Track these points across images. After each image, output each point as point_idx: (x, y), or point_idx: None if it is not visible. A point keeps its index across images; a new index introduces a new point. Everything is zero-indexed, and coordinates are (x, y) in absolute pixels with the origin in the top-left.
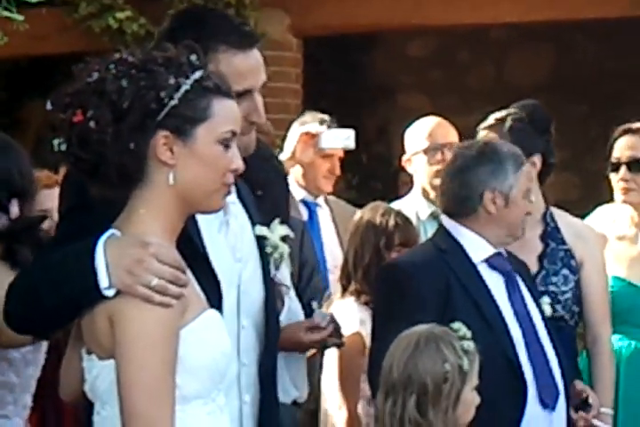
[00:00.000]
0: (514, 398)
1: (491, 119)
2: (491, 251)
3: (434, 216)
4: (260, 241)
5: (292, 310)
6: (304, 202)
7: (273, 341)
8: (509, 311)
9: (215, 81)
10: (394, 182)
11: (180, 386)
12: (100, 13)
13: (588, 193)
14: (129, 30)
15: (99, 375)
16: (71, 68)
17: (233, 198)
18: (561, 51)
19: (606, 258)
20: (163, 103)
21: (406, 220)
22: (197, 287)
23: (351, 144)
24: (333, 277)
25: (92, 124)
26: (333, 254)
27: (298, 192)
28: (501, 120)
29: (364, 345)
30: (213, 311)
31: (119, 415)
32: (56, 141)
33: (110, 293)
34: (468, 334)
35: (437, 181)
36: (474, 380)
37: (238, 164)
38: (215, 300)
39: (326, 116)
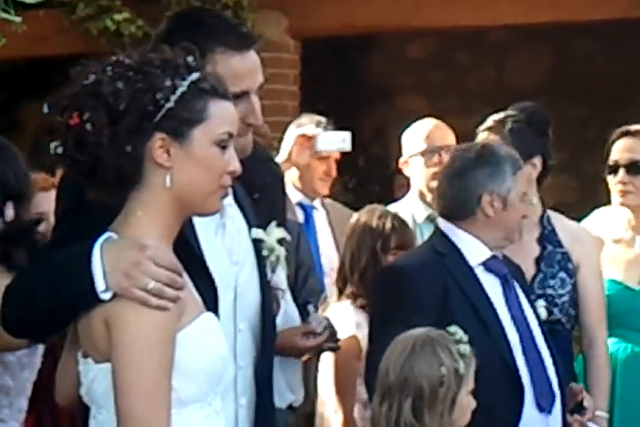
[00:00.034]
0: (511, 401)
1: (490, 121)
2: (488, 254)
3: (430, 219)
4: (257, 244)
5: (288, 313)
6: (300, 205)
7: (269, 344)
8: (506, 315)
9: (212, 82)
10: (391, 185)
11: (176, 389)
12: (97, 15)
13: (585, 196)
14: (126, 32)
15: (95, 379)
16: (69, 70)
17: (229, 201)
18: (560, 52)
19: (603, 261)
20: (159, 105)
21: (403, 223)
22: (194, 290)
23: (347, 146)
24: (329, 280)
25: (88, 126)
26: (329, 257)
27: (294, 195)
28: (501, 122)
29: (359, 349)
30: (210, 314)
31: (115, 419)
32: (53, 144)
33: (107, 296)
34: (465, 337)
35: (434, 184)
36: (470, 384)
37: (235, 166)
38: (212, 303)
39: (323, 119)
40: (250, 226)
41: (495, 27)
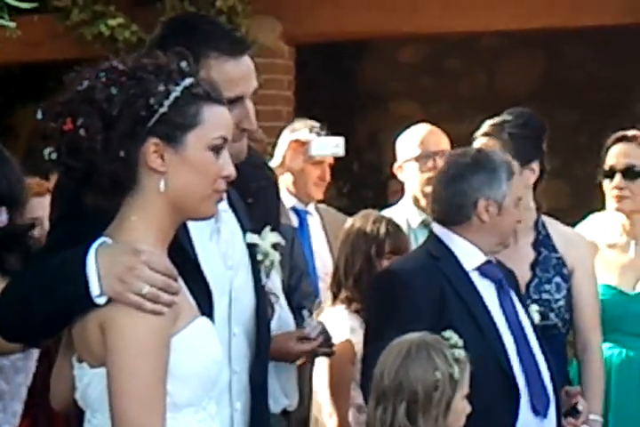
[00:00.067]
0: (507, 405)
1: (487, 126)
2: (482, 259)
3: (425, 224)
4: (252, 248)
5: (282, 318)
6: (294, 210)
7: (264, 348)
8: (501, 319)
9: (205, 88)
10: (385, 190)
11: (171, 394)
12: (92, 20)
13: (578, 201)
14: (121, 37)
15: (90, 383)
16: (63, 75)
17: (224, 206)
18: (552, 58)
19: (597, 266)
20: (152, 110)
21: (397, 228)
22: (189, 295)
23: (340, 152)
24: (324, 284)
25: (81, 132)
26: (324, 262)
27: (288, 200)
28: (499, 127)
29: (354, 353)
30: (204, 319)
31: (110, 423)
32: (47, 150)
33: (101, 300)
34: (460, 342)
35: (429, 189)
36: (464, 388)
37: (230, 170)
38: (206, 307)
39: (316, 124)
40: (244, 231)
41: (488, 33)
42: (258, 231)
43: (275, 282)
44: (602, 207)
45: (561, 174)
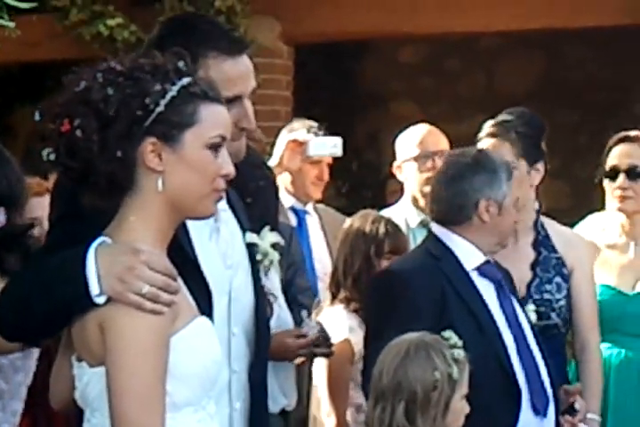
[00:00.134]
0: (508, 404)
1: (491, 127)
2: (482, 259)
3: (423, 224)
4: (251, 248)
5: (281, 317)
6: (293, 209)
7: (263, 348)
8: (502, 319)
9: (203, 87)
10: (384, 190)
11: (170, 393)
12: (90, 20)
13: (578, 201)
14: (119, 37)
15: (89, 383)
16: (62, 75)
17: (223, 205)
18: (551, 59)
19: (596, 266)
20: (149, 110)
21: (396, 227)
22: (188, 295)
23: (338, 152)
24: (323, 284)
25: (78, 132)
26: (322, 262)
27: (286, 199)
28: (505, 127)
29: (352, 353)
30: (204, 319)
31: (109, 423)
32: (45, 151)
33: (101, 300)
34: (459, 342)
35: (428, 189)
36: (463, 388)
37: (229, 169)
38: (206, 307)
39: (314, 124)
40: (244, 230)
41: (487, 33)
42: (257, 231)
43: (274, 282)
44: (601, 208)
45: (561, 175)
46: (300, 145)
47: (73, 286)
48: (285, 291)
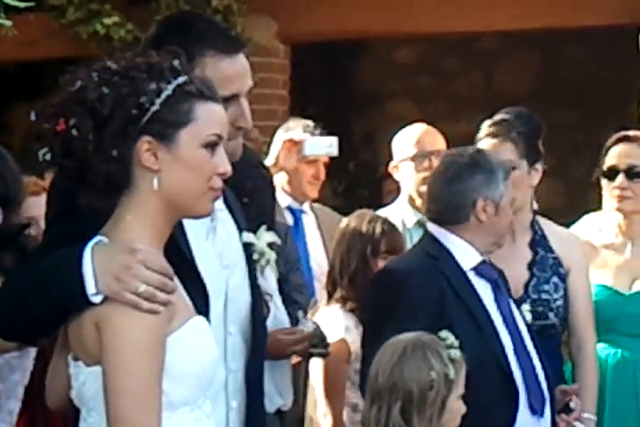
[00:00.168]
0: (506, 404)
1: (491, 127)
2: (479, 259)
3: (420, 224)
4: (248, 248)
5: (277, 317)
6: (289, 209)
7: (260, 347)
8: (499, 319)
9: (198, 85)
10: (380, 190)
11: (167, 393)
12: (87, 19)
13: (573, 201)
14: (116, 36)
15: (85, 382)
16: (58, 74)
17: (220, 205)
18: (549, 58)
19: (592, 266)
20: (144, 109)
21: (393, 227)
22: (185, 294)
23: (334, 152)
24: (319, 284)
25: (74, 132)
26: (319, 261)
27: (283, 199)
28: (506, 127)
29: (349, 352)
30: (200, 318)
31: (105, 422)
32: (41, 151)
33: (97, 299)
34: (456, 342)
35: (424, 189)
36: (460, 388)
37: (226, 167)
38: (202, 306)
39: (310, 123)
40: (240, 230)
41: (486, 33)
42: (254, 231)
43: (270, 281)
44: (597, 207)
45: (556, 174)
46: (295, 144)
47: (69, 285)
48: (281, 289)
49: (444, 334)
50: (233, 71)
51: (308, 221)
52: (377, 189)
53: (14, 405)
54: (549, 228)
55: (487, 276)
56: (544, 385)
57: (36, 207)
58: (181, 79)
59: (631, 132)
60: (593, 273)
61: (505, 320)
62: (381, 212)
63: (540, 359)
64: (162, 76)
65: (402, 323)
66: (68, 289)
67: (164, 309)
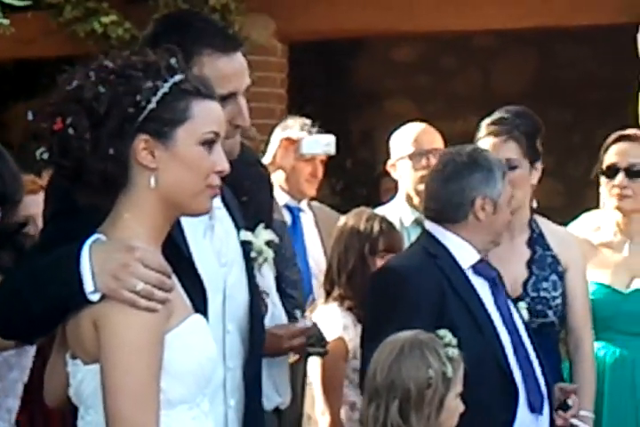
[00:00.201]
0: (505, 402)
1: (492, 126)
2: (477, 257)
3: (418, 222)
4: (245, 246)
5: (275, 315)
6: (287, 207)
7: (258, 345)
8: (498, 317)
9: (195, 83)
10: (378, 188)
11: (165, 391)
12: (85, 17)
13: (571, 200)
14: (114, 34)
15: (83, 380)
16: (56, 72)
17: (218, 203)
18: (546, 57)
19: (590, 264)
20: (140, 107)
21: (391, 226)
22: (183, 292)
23: (331, 150)
24: (317, 282)
25: (70, 131)
26: (317, 260)
27: (281, 197)
28: (507, 126)
29: (346, 350)
30: (198, 316)
31: (103, 420)
32: (39, 151)
33: (95, 297)
34: (454, 341)
35: (422, 187)
36: (458, 387)
37: (223, 165)
38: (200, 304)
39: (308, 122)
40: (238, 228)
41: (484, 32)
42: (251, 229)
43: (267, 279)
44: (595, 206)
45: (554, 173)
46: (293, 143)
47: (67, 283)
48: (278, 286)
49: (442, 332)
50: (231, 70)
51: (306, 220)
52: (375, 187)
53: (13, 403)
54: (547, 226)
55: (485, 274)
56: (542, 383)
57: (33, 206)
58: (178, 77)
59: (631, 131)
60: (591, 271)
61: (503, 319)
62: (379, 210)
63: (538, 357)
64: (158, 74)
65: (402, 321)
66: (65, 287)
67: (161, 307)
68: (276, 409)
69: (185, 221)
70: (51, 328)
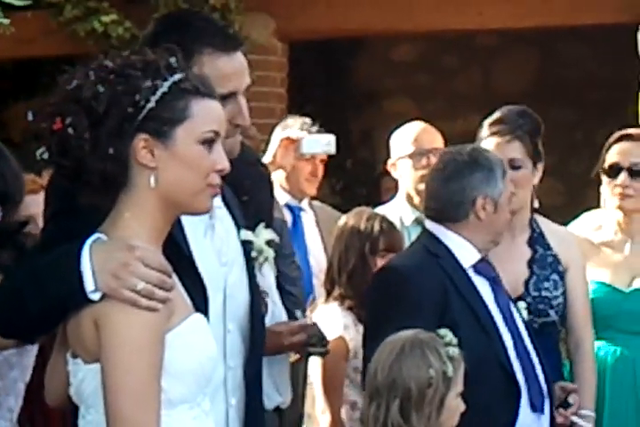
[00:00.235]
0: (507, 401)
1: (494, 126)
2: (477, 256)
3: (418, 222)
4: (246, 245)
5: (275, 314)
6: (288, 206)
7: (258, 344)
8: (499, 316)
9: (194, 82)
10: (378, 188)
11: (165, 390)
12: (85, 17)
13: (572, 199)
14: (114, 34)
15: (84, 379)
16: (56, 71)
17: (218, 203)
18: (548, 57)
19: (591, 263)
20: (139, 106)
21: (391, 225)
22: (183, 291)
23: (332, 150)
24: (317, 281)
25: (70, 130)
26: (317, 259)
27: (281, 196)
28: (510, 125)
29: (347, 350)
30: (199, 315)
31: (104, 419)
32: (39, 151)
33: (96, 296)
34: (454, 340)
35: (422, 187)
36: (458, 386)
37: (224, 164)
38: (201, 304)
39: (308, 121)
40: (238, 227)
41: (485, 31)
42: (252, 228)
43: (268, 278)
44: (596, 205)
45: (555, 172)
46: (293, 142)
47: (68, 282)
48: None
49: (443, 331)
50: (231, 69)
51: (307, 219)
52: (375, 186)
53: (14, 402)
54: (547, 226)
55: (485, 273)
56: (543, 382)
57: (34, 205)
58: (177, 76)
59: (633, 130)
60: (592, 270)
61: (505, 318)
62: (379, 210)
63: (538, 355)
64: (157, 73)
65: (404, 321)
66: (66, 286)
67: (162, 306)
68: (277, 408)
69: (185, 220)
70: (51, 327)
